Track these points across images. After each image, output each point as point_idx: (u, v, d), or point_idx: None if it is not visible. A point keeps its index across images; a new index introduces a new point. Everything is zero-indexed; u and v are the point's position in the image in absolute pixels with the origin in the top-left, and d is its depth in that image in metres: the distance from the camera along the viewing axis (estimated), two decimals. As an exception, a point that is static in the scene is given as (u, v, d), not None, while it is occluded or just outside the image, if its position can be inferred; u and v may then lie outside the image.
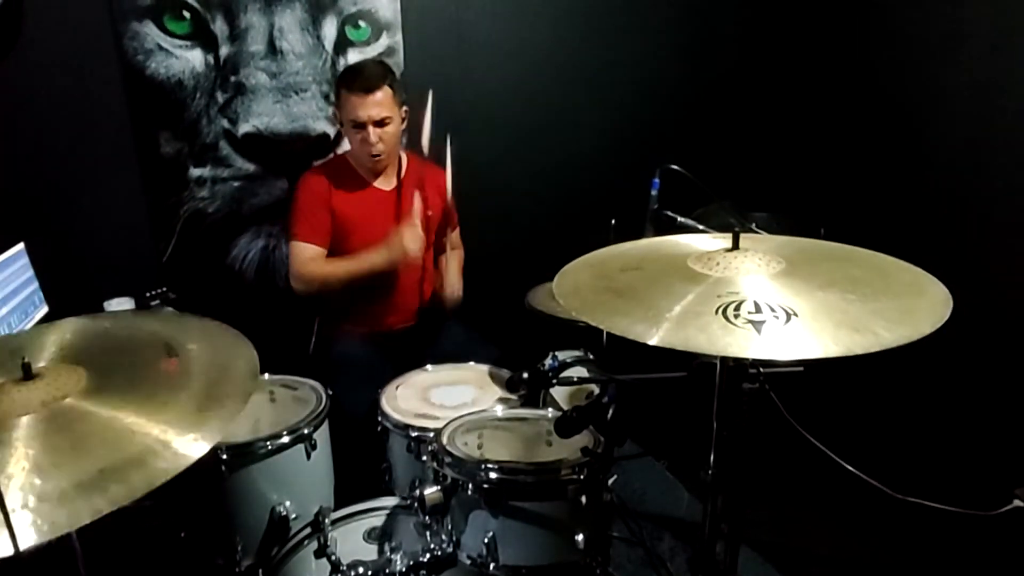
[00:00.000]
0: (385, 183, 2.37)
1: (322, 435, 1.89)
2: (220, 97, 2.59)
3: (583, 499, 1.51)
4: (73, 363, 1.14)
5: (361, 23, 2.70)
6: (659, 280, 1.25)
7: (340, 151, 2.67)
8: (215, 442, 0.99)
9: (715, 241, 1.41)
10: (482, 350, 2.26)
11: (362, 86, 2.16)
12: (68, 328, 1.29)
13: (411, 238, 2.20)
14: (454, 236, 2.59)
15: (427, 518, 1.60)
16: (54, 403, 1.03)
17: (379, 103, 2.17)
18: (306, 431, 1.81)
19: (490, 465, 1.51)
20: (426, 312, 2.49)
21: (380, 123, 2.19)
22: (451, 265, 2.41)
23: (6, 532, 0.80)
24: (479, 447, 1.74)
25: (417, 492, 1.57)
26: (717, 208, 2.10)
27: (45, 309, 2.29)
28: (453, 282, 2.37)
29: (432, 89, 2.24)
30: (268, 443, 1.76)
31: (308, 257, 2.27)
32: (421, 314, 2.48)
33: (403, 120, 2.29)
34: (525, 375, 1.81)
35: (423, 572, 1.56)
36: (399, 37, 2.76)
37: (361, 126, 2.19)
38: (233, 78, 2.59)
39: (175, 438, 0.98)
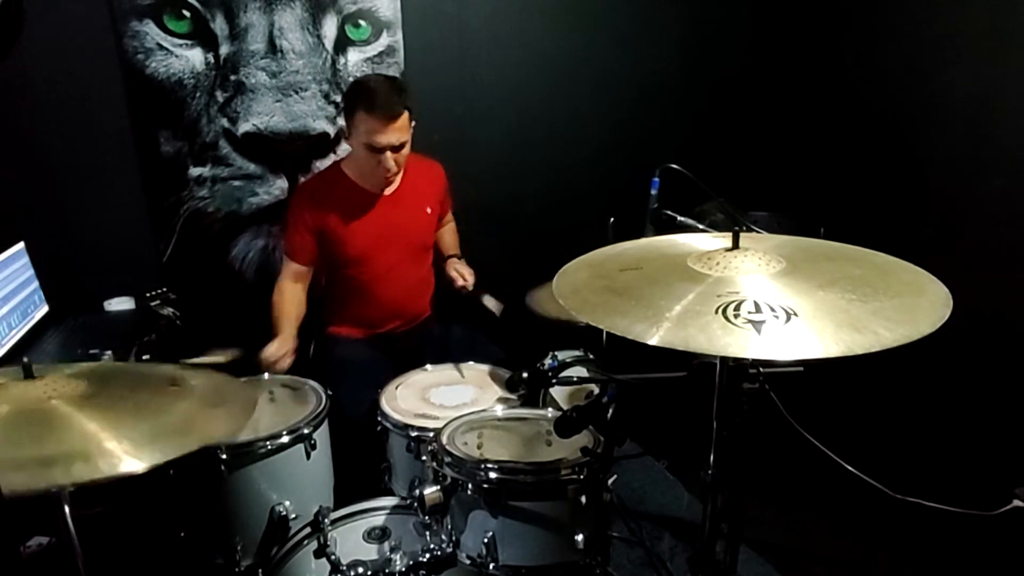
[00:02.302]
0: (387, 188, 2.34)
1: (322, 435, 1.89)
2: (220, 96, 2.59)
3: (583, 499, 1.52)
4: (83, 378, 1.18)
5: (361, 22, 2.70)
6: (659, 280, 1.25)
7: (340, 151, 2.67)
8: (148, 466, 1.01)
9: (715, 241, 1.40)
10: (482, 350, 2.26)
11: (384, 113, 2.05)
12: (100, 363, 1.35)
13: (280, 358, 2.14)
14: (447, 217, 2.58)
15: (427, 518, 1.60)
16: (37, 402, 1.08)
17: (399, 129, 2.09)
18: (306, 431, 1.81)
19: (490, 465, 1.51)
20: (427, 316, 2.49)
21: (398, 147, 2.12)
22: (457, 263, 2.42)
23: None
24: (479, 447, 1.73)
25: (417, 492, 1.57)
26: (715, 206, 2.10)
27: (45, 309, 2.30)
28: (463, 274, 2.36)
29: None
30: (268, 443, 1.76)
31: (289, 272, 2.28)
32: (421, 318, 2.48)
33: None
34: (525, 375, 1.81)
35: (423, 572, 1.56)
36: (399, 36, 2.76)
37: (379, 150, 2.11)
38: (233, 77, 2.59)
39: (116, 452, 1.01)
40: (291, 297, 2.27)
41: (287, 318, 2.23)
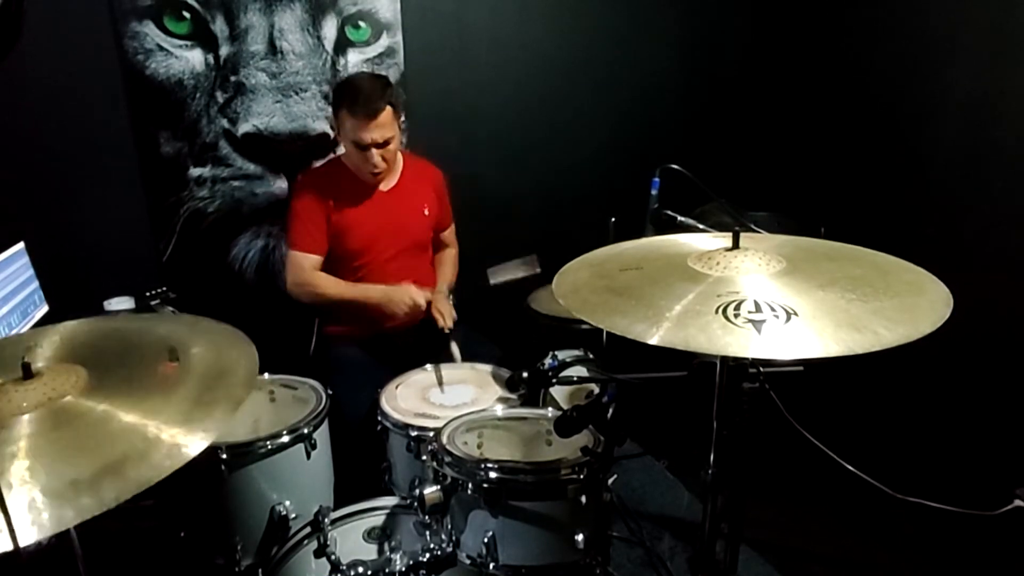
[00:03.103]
0: (384, 184, 2.37)
1: (322, 435, 1.89)
2: (220, 97, 2.59)
3: (583, 499, 1.51)
4: (74, 362, 1.15)
5: (361, 23, 2.70)
6: (659, 280, 1.25)
7: (339, 152, 2.67)
8: (210, 441, 0.99)
9: (715, 240, 1.41)
10: (482, 350, 2.26)
11: (365, 111, 2.11)
12: (74, 328, 1.29)
13: (410, 304, 2.20)
14: (448, 234, 2.59)
15: (427, 518, 1.60)
16: (52, 403, 1.04)
17: (381, 125, 2.14)
18: (306, 431, 1.81)
19: (490, 465, 1.51)
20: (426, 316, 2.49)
21: (383, 144, 2.17)
22: (443, 300, 2.39)
23: (6, 530, 0.80)
24: (479, 447, 1.74)
25: (417, 492, 1.57)
26: (715, 206, 2.10)
27: (45, 309, 2.30)
28: (444, 315, 2.33)
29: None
30: (268, 443, 1.76)
31: (306, 266, 2.27)
32: (420, 317, 2.47)
33: (401, 130, 2.28)
34: (525, 374, 1.81)
35: (423, 572, 1.56)
36: (399, 37, 2.76)
37: (364, 147, 2.17)
38: (233, 78, 2.59)
39: (170, 438, 0.98)
40: (325, 277, 2.29)
41: (350, 284, 2.28)
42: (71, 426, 1.01)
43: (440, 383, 2.06)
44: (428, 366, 2.13)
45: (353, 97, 2.14)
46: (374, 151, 2.17)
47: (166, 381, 1.15)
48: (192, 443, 0.98)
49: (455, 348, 2.16)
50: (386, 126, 2.15)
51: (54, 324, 1.30)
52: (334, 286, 2.28)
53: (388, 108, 2.14)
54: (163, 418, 1.02)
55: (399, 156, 2.39)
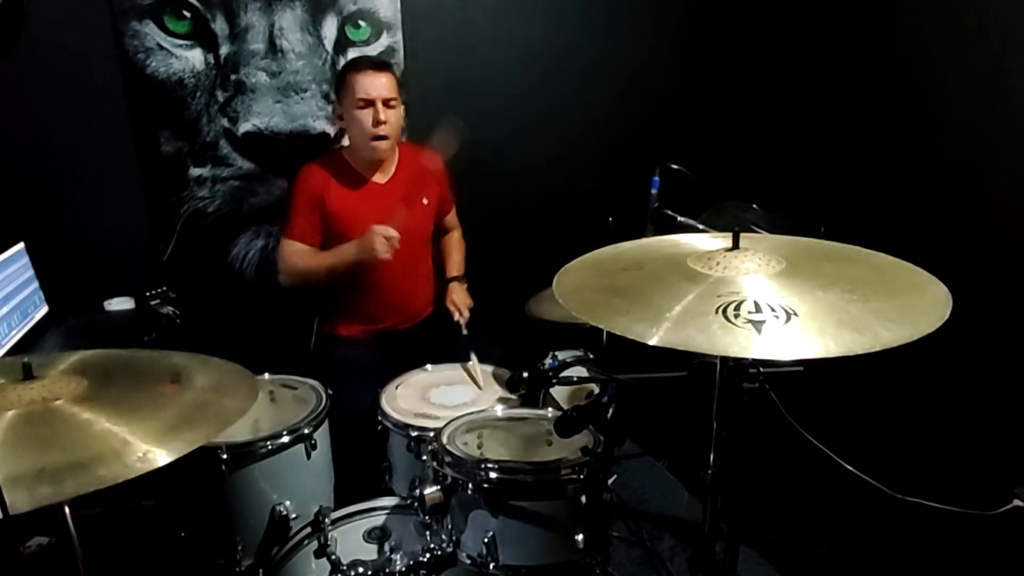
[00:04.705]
0: (381, 176, 2.37)
1: (322, 435, 1.89)
2: (220, 96, 2.59)
3: (583, 499, 1.52)
4: (81, 374, 1.17)
5: (361, 23, 2.70)
6: (659, 280, 1.25)
7: (338, 146, 2.67)
8: (173, 458, 1.01)
9: (715, 241, 1.41)
10: (482, 350, 2.25)
11: (370, 65, 2.22)
12: (94, 352, 1.33)
13: (382, 239, 2.15)
14: (451, 217, 2.59)
15: (427, 518, 1.60)
16: (44, 403, 1.07)
17: (387, 84, 2.21)
18: (306, 431, 1.81)
19: (490, 465, 1.51)
20: (429, 314, 2.49)
21: (387, 103, 2.21)
22: (457, 290, 2.43)
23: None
24: (479, 447, 1.74)
25: (417, 492, 1.57)
26: (724, 207, 2.09)
27: (45, 309, 2.30)
28: (460, 307, 2.37)
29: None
30: (268, 443, 1.76)
31: (290, 252, 2.28)
32: (422, 315, 2.48)
33: (403, 101, 2.29)
34: (525, 375, 1.81)
35: (423, 572, 1.56)
36: (399, 37, 2.76)
37: (370, 103, 2.19)
38: (233, 77, 2.59)
39: (138, 448, 1.01)
40: (309, 254, 2.29)
41: (329, 251, 2.27)
42: (53, 424, 1.04)
43: (475, 381, 2.05)
44: (428, 366, 2.13)
45: (358, 59, 2.31)
46: (380, 107, 2.19)
47: (162, 399, 1.17)
48: (161, 455, 1.00)
49: (475, 367, 2.08)
50: (390, 86, 2.22)
51: (78, 351, 1.31)
52: (309, 258, 2.28)
53: (392, 74, 2.24)
54: (142, 429, 1.04)
55: (395, 148, 2.39)
